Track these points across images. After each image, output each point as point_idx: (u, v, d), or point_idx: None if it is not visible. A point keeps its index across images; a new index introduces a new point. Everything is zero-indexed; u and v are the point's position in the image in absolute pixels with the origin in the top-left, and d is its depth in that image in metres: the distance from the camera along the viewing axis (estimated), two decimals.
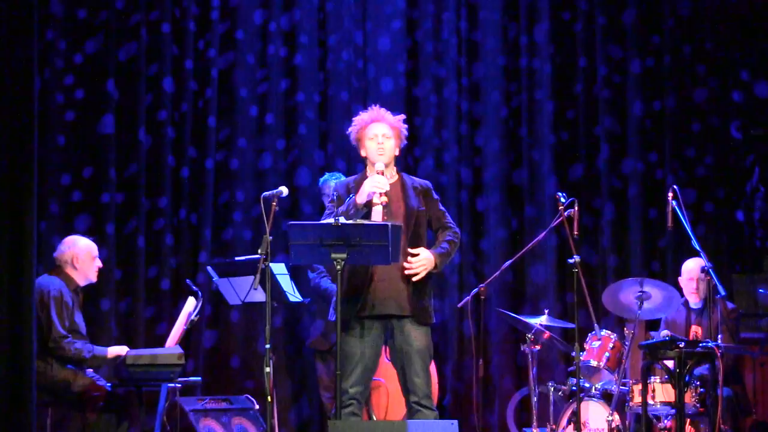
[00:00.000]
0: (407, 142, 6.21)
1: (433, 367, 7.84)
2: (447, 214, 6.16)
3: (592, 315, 7.21)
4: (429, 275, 6.00)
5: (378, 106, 6.15)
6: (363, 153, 6.07)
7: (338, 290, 5.64)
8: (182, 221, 8.38)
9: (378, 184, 5.84)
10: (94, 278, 6.99)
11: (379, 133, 5.99)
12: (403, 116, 6.15)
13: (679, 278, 7.63)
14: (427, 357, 5.98)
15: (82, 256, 6.89)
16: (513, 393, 8.29)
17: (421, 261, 5.91)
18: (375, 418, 7.39)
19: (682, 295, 7.52)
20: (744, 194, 8.64)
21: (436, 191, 5.95)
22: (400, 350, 5.95)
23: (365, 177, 6.00)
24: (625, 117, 8.71)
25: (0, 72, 5.73)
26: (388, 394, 7.36)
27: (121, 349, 6.77)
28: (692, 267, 7.49)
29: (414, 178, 6.20)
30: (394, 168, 6.08)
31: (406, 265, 5.87)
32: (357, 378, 5.89)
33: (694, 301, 7.55)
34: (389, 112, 6.11)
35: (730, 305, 7.55)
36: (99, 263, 7.00)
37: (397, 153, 6.06)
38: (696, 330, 7.44)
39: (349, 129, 6.10)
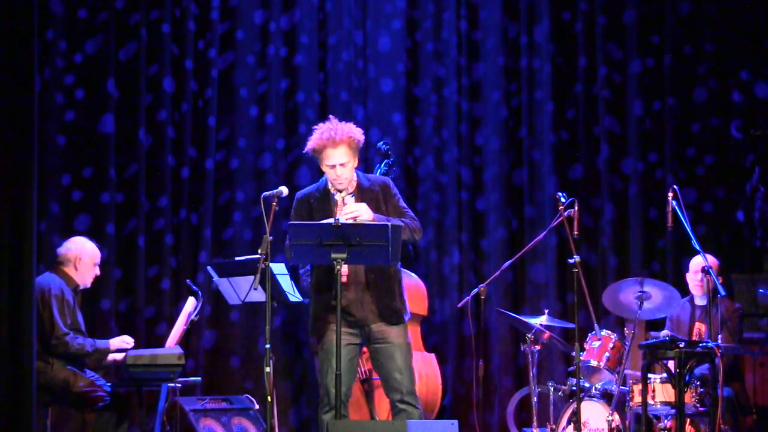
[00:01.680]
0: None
1: (434, 365, 7.86)
2: (409, 210, 6.07)
3: (592, 315, 7.21)
4: (395, 275, 5.99)
5: (330, 120, 6.02)
6: (323, 169, 6.02)
7: (338, 288, 5.65)
8: (182, 221, 8.39)
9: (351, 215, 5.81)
10: (89, 284, 7.00)
11: (336, 163, 5.90)
12: (353, 126, 5.99)
13: (687, 274, 7.63)
14: (407, 352, 5.98)
15: (85, 259, 6.91)
16: (513, 393, 8.28)
17: (352, 208, 5.83)
18: (377, 418, 7.39)
19: (683, 295, 7.52)
20: (744, 194, 8.64)
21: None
22: (379, 350, 5.97)
23: (327, 189, 5.98)
24: (625, 117, 8.71)
25: (0, 72, 5.73)
26: None
27: (123, 341, 6.77)
28: (700, 261, 7.48)
29: (371, 177, 6.16)
30: (354, 175, 6.03)
31: (342, 213, 5.79)
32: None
33: (698, 294, 7.53)
34: (342, 122, 5.99)
35: (737, 304, 7.55)
36: (98, 271, 7.02)
37: (356, 164, 5.98)
38: (700, 327, 7.44)
39: (306, 147, 5.98)
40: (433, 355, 7.92)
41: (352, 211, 5.81)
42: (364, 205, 5.85)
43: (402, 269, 6.15)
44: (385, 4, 8.81)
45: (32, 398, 5.70)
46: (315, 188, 6.11)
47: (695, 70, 8.68)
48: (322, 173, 8.11)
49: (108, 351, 6.71)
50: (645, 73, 8.70)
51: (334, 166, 5.91)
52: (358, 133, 5.98)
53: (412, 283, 7.74)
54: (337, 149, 5.90)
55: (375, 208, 5.92)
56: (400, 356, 5.95)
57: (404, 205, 6.08)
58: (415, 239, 6.06)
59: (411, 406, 5.94)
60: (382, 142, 8.15)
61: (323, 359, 5.94)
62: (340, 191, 5.97)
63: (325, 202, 6.00)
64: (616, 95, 8.72)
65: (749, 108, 8.63)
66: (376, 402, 7.44)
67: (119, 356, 6.73)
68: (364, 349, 6.13)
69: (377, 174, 7.62)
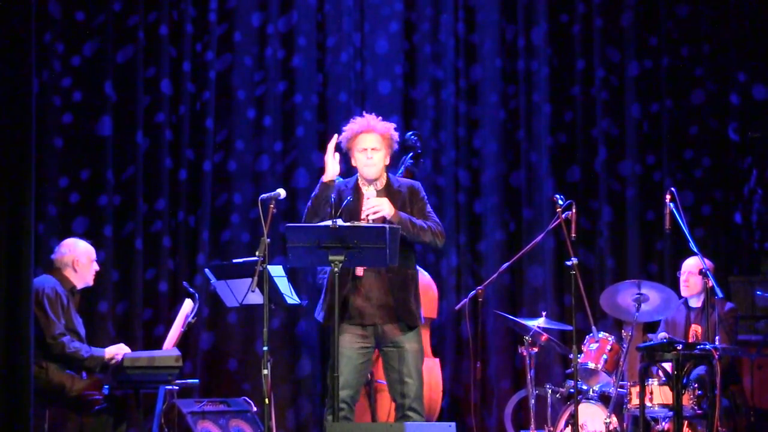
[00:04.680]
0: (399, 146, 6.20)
1: (437, 371, 7.84)
2: (434, 215, 6.08)
3: (590, 317, 7.22)
4: (412, 278, 5.99)
5: (370, 113, 6.13)
6: (353, 162, 6.07)
7: (337, 291, 5.64)
8: (180, 223, 8.38)
9: (372, 210, 5.85)
10: (91, 281, 6.98)
11: (369, 147, 5.95)
12: (393, 125, 6.11)
13: None
14: (418, 358, 5.98)
15: (82, 260, 6.88)
16: (511, 395, 8.27)
17: (374, 203, 5.87)
18: (378, 421, 7.37)
19: (681, 296, 7.53)
20: (742, 196, 8.64)
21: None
22: (391, 354, 5.96)
23: (357, 184, 6.01)
24: (622, 119, 8.71)
25: None
26: None
27: (118, 349, 6.75)
28: (690, 263, 7.49)
29: (402, 180, 6.19)
30: (384, 174, 6.07)
31: (364, 208, 5.85)
32: (346, 381, 5.88)
33: (685, 295, 7.54)
34: (380, 119, 6.08)
35: (728, 305, 7.55)
36: (96, 266, 7.00)
37: (387, 162, 6.04)
38: (695, 329, 7.44)
39: (340, 137, 6.05)
40: (437, 360, 7.91)
41: (374, 206, 5.84)
42: (385, 200, 5.88)
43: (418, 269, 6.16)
44: (382, 6, 8.82)
45: (30, 401, 5.69)
46: (344, 183, 6.12)
47: (693, 72, 8.69)
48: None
49: (103, 359, 6.68)
50: (642, 76, 8.71)
51: (365, 150, 5.96)
52: (393, 131, 6.07)
53: (423, 283, 7.52)
54: (370, 134, 5.97)
55: (399, 209, 5.93)
56: (412, 362, 5.93)
57: (430, 210, 6.09)
58: (437, 244, 6.05)
59: (416, 413, 5.93)
60: (411, 133, 8.13)
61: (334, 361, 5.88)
62: (370, 182, 5.98)
63: (354, 195, 5.99)
64: (613, 97, 8.73)
65: (747, 110, 8.64)
66: (378, 404, 7.43)
67: (119, 356, 6.70)
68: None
69: (402, 167, 7.75)
